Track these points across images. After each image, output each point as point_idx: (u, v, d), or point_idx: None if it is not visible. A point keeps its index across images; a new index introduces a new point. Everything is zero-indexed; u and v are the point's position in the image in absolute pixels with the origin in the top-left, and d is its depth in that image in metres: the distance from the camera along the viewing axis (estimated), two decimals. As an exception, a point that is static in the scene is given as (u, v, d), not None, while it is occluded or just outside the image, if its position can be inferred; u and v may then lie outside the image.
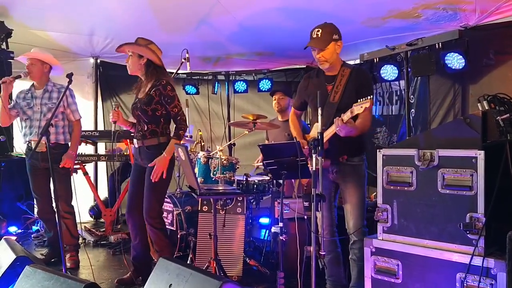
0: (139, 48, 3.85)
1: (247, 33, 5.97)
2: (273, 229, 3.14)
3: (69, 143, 4.64)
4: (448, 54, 4.66)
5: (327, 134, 3.29)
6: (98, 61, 7.11)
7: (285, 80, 7.70)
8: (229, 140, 7.23)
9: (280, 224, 3.04)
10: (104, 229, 5.80)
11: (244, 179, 4.55)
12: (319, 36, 3.36)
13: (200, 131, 5.52)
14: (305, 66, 7.59)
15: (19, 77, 4.46)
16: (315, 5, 4.96)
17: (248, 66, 7.38)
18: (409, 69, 5.29)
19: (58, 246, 4.77)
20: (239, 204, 4.35)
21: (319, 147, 2.92)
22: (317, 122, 3.46)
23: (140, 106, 3.85)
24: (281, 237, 3.03)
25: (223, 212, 4.31)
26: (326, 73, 3.50)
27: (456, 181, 2.56)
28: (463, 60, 4.59)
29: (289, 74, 7.74)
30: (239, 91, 7.19)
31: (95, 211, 6.62)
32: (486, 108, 2.71)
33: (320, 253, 2.99)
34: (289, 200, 4.52)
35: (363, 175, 3.52)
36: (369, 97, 2.91)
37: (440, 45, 4.81)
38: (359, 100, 2.98)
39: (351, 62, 6.38)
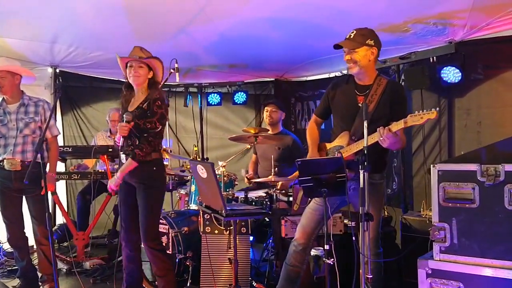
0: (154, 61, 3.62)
1: (225, 44, 5.71)
2: (313, 252, 2.89)
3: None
4: (444, 68, 4.68)
5: (359, 145, 3.13)
6: (57, 70, 6.50)
7: (254, 92, 7.53)
8: (203, 155, 6.92)
9: (326, 247, 2.80)
10: (74, 255, 5.25)
11: (244, 195, 4.30)
12: (351, 37, 3.23)
13: (195, 146, 5.18)
14: (274, 79, 7.45)
15: None
16: (304, 17, 4.80)
17: (218, 78, 7.12)
18: (402, 83, 5.25)
19: (32, 276, 4.30)
20: (243, 223, 4.07)
21: (366, 163, 2.76)
22: (342, 133, 3.33)
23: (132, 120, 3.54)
24: (327, 261, 2.79)
25: (227, 233, 4.02)
26: (358, 82, 3.33)
27: (527, 197, 2.46)
28: (460, 74, 4.62)
29: (257, 86, 7.58)
30: (213, 103, 6.89)
31: (58, 235, 6.01)
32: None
33: (367, 276, 2.80)
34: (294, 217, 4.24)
35: (382, 194, 3.36)
36: (434, 109, 2.76)
37: (435, 58, 4.81)
38: (417, 112, 2.81)
39: (338, 74, 6.34)
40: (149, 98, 3.55)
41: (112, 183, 3.63)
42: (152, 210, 3.59)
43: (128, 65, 3.59)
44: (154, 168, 3.59)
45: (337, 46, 3.28)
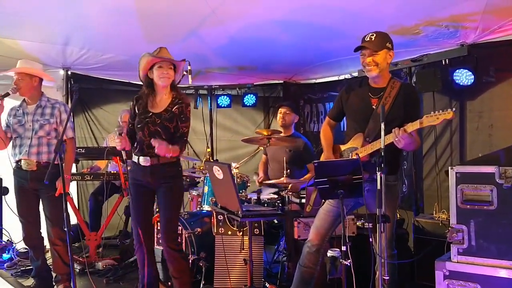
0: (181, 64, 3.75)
1: (235, 46, 5.72)
2: (330, 253, 2.90)
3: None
4: (457, 70, 4.68)
5: (373, 146, 3.15)
6: (69, 72, 6.54)
7: (263, 95, 7.54)
8: (213, 157, 6.93)
9: (343, 248, 2.82)
10: (87, 255, 5.28)
11: (256, 197, 4.32)
12: (373, 39, 3.22)
13: (208, 148, 5.20)
14: (282, 82, 7.47)
15: (7, 94, 4.08)
16: (313, 19, 4.80)
17: (227, 80, 7.14)
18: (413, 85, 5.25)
19: (47, 276, 4.34)
20: (256, 224, 4.09)
21: (383, 165, 2.77)
22: (355, 135, 3.35)
23: (161, 121, 3.59)
24: (344, 262, 2.79)
25: (240, 234, 4.04)
26: (372, 85, 3.35)
27: (545, 199, 2.47)
28: (473, 76, 4.62)
29: (266, 89, 7.59)
30: (223, 106, 6.92)
31: (70, 235, 6.02)
32: None
33: (384, 277, 2.81)
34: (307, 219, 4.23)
35: (397, 196, 3.37)
36: (450, 110, 2.78)
37: (447, 61, 4.82)
38: (432, 113, 2.83)
39: (348, 77, 6.35)
40: (180, 102, 3.65)
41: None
42: (175, 210, 3.70)
43: (158, 65, 3.62)
44: (179, 169, 3.73)
45: (358, 49, 3.27)
